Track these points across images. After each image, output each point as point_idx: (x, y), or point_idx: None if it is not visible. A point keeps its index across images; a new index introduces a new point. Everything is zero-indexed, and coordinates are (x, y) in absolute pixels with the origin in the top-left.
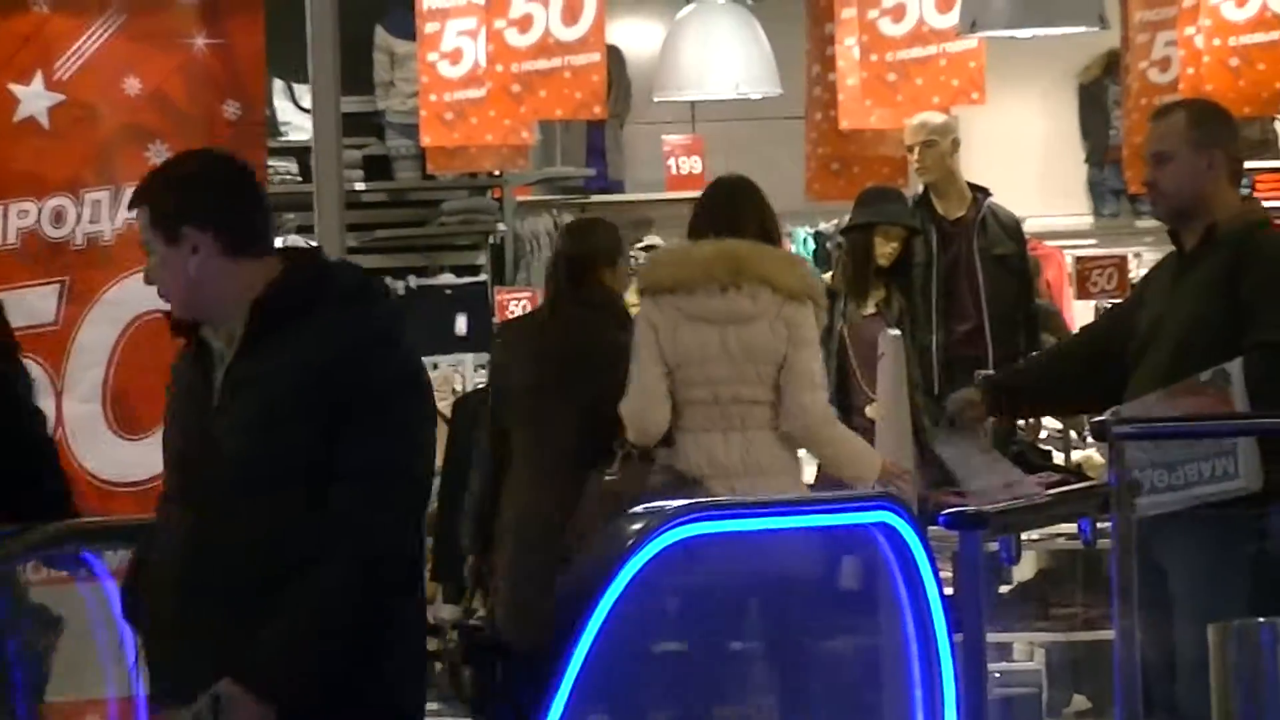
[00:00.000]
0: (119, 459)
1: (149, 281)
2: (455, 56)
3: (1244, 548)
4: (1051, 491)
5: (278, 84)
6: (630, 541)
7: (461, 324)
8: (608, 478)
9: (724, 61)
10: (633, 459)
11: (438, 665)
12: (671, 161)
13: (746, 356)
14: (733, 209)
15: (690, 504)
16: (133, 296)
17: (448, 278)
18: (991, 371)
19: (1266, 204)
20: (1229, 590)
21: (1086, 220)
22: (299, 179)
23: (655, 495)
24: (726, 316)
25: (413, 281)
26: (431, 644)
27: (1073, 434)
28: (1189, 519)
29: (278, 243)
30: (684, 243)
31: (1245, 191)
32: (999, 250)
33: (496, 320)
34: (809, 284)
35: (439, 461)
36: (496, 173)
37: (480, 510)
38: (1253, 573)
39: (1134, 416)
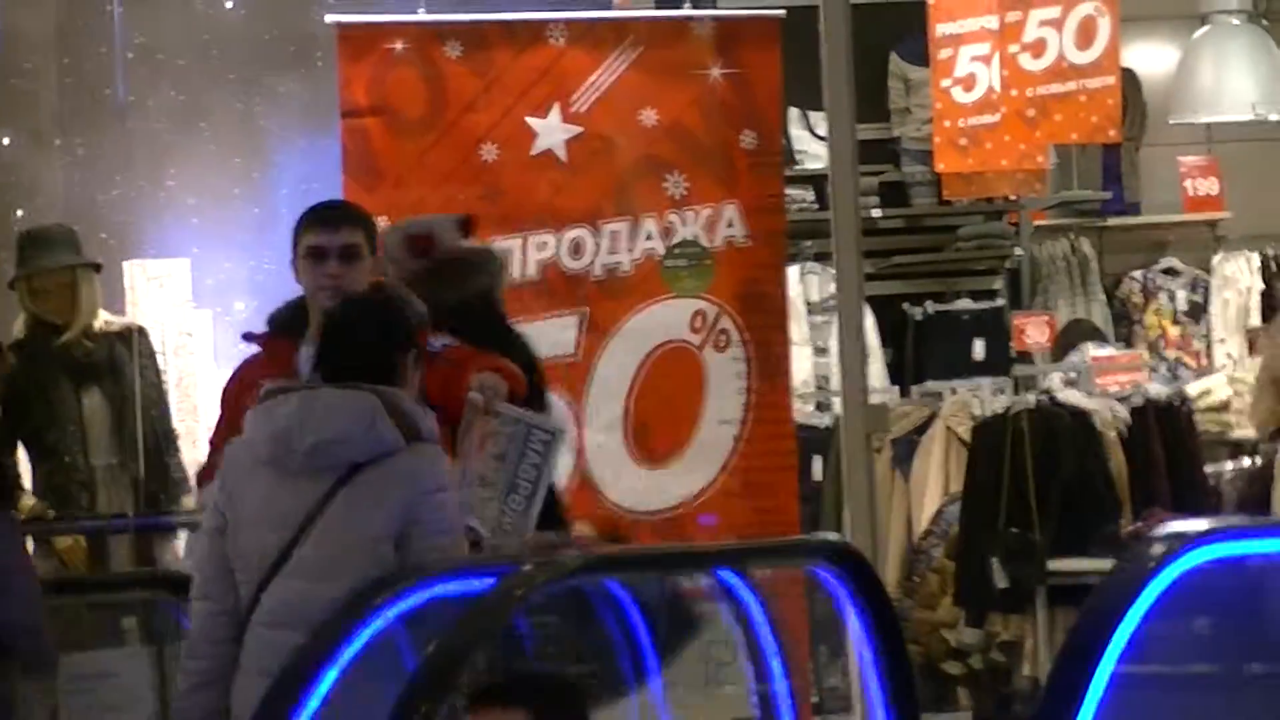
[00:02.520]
0: (637, 488)
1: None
2: (969, 82)
3: None
4: None
5: (793, 112)
6: (1150, 565)
7: (979, 348)
8: None
9: (1239, 82)
10: None
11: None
12: (1188, 183)
13: None
14: None
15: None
16: (651, 326)
17: (965, 303)
18: None
19: None
20: None
21: None
22: (816, 206)
23: None
24: None
25: (930, 307)
26: (955, 667)
27: None
28: None
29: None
30: None
31: None
32: None
33: (1014, 345)
34: None
35: (959, 486)
36: (1012, 197)
37: None
38: None
39: None
